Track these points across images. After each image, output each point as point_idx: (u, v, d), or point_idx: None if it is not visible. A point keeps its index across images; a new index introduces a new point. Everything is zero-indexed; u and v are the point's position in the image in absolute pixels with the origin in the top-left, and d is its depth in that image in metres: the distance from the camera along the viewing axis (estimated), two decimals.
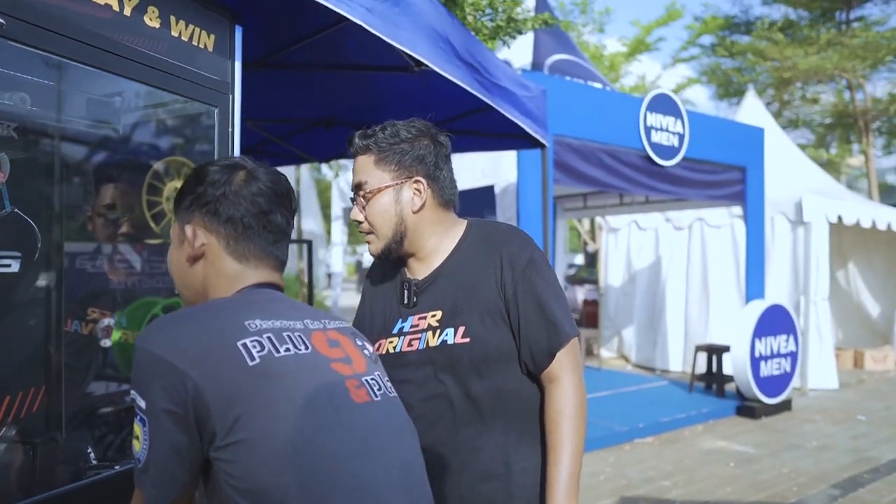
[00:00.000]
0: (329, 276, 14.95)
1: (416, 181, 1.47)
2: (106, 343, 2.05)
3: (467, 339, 1.43)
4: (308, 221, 13.49)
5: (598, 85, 6.80)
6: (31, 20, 1.24)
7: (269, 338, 1.02)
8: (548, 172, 4.13)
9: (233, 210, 1.12)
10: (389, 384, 1.19)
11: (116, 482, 1.68)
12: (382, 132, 1.49)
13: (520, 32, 4.15)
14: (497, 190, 5.20)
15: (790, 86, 16.38)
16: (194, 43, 1.64)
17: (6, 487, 1.61)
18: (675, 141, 5.90)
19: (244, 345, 0.99)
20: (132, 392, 0.99)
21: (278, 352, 1.02)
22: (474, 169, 5.62)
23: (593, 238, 11.84)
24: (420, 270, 1.53)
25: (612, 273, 9.90)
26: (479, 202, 8.38)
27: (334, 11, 1.88)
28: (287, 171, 11.00)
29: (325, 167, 11.60)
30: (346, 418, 1.03)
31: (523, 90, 3.61)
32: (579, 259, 17.22)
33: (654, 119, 5.73)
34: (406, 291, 1.53)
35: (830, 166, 17.34)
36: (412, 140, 1.48)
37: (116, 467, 1.76)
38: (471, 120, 3.94)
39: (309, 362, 1.05)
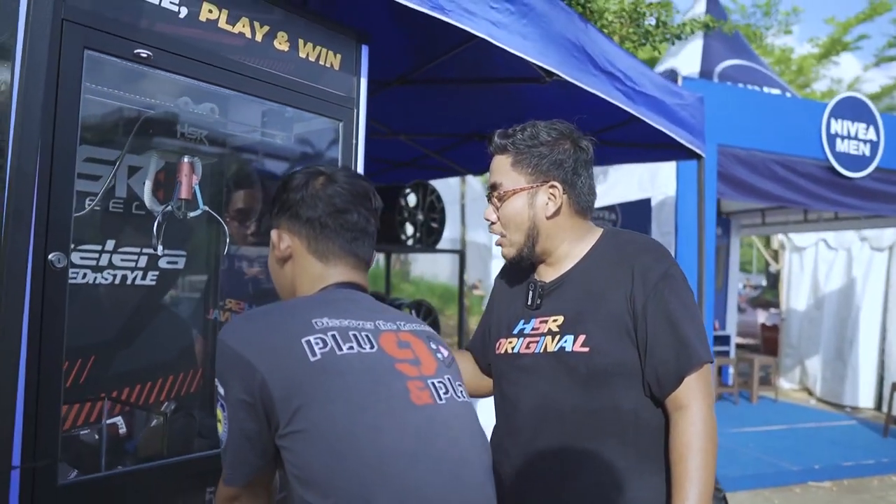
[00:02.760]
0: None
1: (552, 186, 1.43)
2: None
3: (587, 349, 1.36)
4: (476, 233, 13.73)
5: (776, 91, 6.24)
6: (173, 50, 1.44)
7: (333, 336, 1.07)
8: (704, 185, 3.88)
9: (311, 211, 1.20)
10: (462, 388, 1.18)
11: None
12: (522, 133, 1.45)
13: (678, 38, 3.94)
14: (654, 203, 4.97)
15: None
16: (321, 62, 1.78)
17: (178, 449, 1.83)
18: (865, 150, 5.24)
19: (307, 341, 1.05)
20: (216, 379, 1.09)
21: (340, 349, 1.06)
22: (630, 181, 5.42)
23: (776, 258, 10.81)
24: (549, 274, 1.49)
25: (795, 296, 8.97)
26: (635, 216, 8.06)
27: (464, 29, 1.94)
28: (453, 183, 11.35)
29: (473, 179, 11.79)
30: (401, 418, 1.05)
31: (675, 98, 3.43)
32: (751, 279, 15.80)
33: (840, 126, 5.14)
34: (531, 293, 1.49)
35: None
36: (552, 143, 1.44)
37: None
38: (623, 131, 3.82)
39: (371, 361, 1.08)
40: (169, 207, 1.80)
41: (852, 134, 5.18)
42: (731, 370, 7.73)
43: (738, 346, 9.26)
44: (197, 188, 1.78)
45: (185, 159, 1.76)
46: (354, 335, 1.09)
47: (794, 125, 5.07)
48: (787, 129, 5.02)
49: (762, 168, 4.92)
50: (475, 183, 13.64)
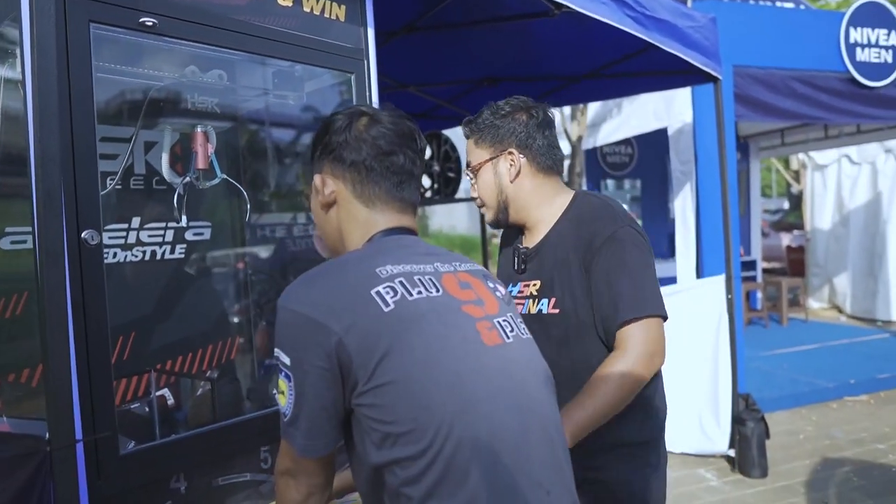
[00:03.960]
0: None
1: (510, 152, 1.58)
2: None
3: (557, 311, 1.53)
4: None
5: (789, 5, 6.02)
6: (177, 16, 1.42)
7: (400, 282, 1.03)
8: (722, 108, 3.78)
9: (355, 154, 1.14)
10: (523, 325, 1.16)
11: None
12: (480, 115, 1.63)
13: None
14: (671, 132, 4.86)
15: None
16: (326, 15, 1.75)
17: (226, 413, 1.89)
18: (887, 56, 5.06)
19: (378, 292, 1.00)
20: (276, 350, 1.03)
21: (411, 295, 1.02)
22: (645, 112, 5.30)
23: (797, 178, 10.62)
24: (530, 239, 1.64)
25: (819, 215, 8.84)
26: (652, 147, 7.93)
27: None
28: None
29: None
30: (477, 361, 1.03)
31: (687, 21, 3.32)
32: (775, 203, 15.56)
33: (859, 34, 4.96)
34: (516, 258, 1.65)
35: None
36: (505, 116, 1.59)
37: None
38: (638, 60, 3.74)
39: (441, 304, 1.05)
40: (188, 179, 1.80)
41: (872, 41, 5.00)
42: (759, 294, 7.70)
43: (765, 271, 9.20)
44: (213, 157, 1.77)
45: (199, 129, 1.75)
46: (419, 279, 1.06)
47: (810, 38, 4.90)
48: (804, 43, 4.86)
49: (780, 86, 4.79)
50: None
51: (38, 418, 1.29)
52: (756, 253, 8.36)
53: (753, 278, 7.93)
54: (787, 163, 12.47)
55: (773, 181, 20.42)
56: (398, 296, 1.01)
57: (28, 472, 1.27)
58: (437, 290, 1.06)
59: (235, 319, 2.31)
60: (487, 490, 0.96)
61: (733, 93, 4.45)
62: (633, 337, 1.42)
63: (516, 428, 1.02)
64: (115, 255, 1.94)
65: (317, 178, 1.18)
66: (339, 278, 1.04)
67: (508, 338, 1.10)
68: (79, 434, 1.22)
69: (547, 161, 1.59)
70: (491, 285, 1.17)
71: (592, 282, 1.47)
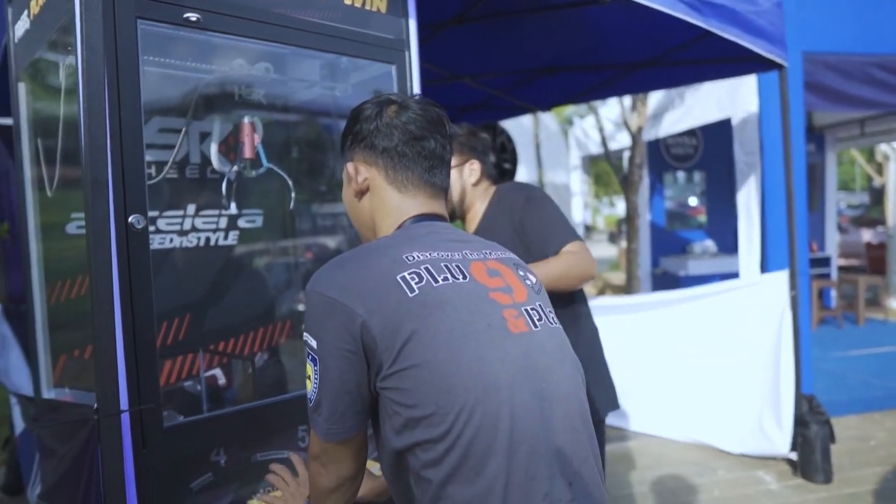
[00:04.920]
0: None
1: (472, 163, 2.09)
2: None
3: None
4: (555, 173, 13.41)
5: None
6: (220, 11, 1.48)
7: (426, 269, 1.05)
8: (788, 97, 3.62)
9: (387, 141, 1.16)
10: (552, 314, 1.16)
11: None
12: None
13: None
14: (735, 122, 4.68)
15: None
16: (367, 7, 1.78)
17: (269, 393, 1.96)
18: None
19: (403, 277, 1.02)
20: (305, 334, 1.05)
21: (437, 281, 1.04)
22: (708, 102, 5.11)
23: (880, 171, 10.03)
24: (469, 229, 2.09)
25: None
26: (716, 138, 7.64)
27: None
28: (525, 123, 11.14)
29: (546, 117, 11.48)
30: (502, 348, 1.03)
31: (749, 5, 3.20)
32: (859, 198, 14.73)
33: None
34: None
35: None
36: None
37: None
38: (699, 48, 3.63)
39: (467, 291, 1.06)
40: (236, 168, 1.87)
41: None
42: (833, 292, 7.33)
43: (842, 269, 8.76)
44: (260, 147, 1.84)
45: (246, 119, 1.82)
46: (446, 266, 1.07)
47: (889, 19, 4.61)
48: (882, 25, 4.56)
49: (856, 72, 4.52)
50: (549, 121, 13.30)
51: (93, 390, 1.39)
52: (831, 249, 7.96)
53: (827, 275, 7.56)
54: (870, 155, 11.80)
55: (856, 174, 19.35)
56: (423, 282, 1.03)
57: (82, 437, 1.37)
58: (464, 277, 1.07)
59: (283, 304, 2.40)
60: (506, 477, 0.97)
61: (803, 81, 4.25)
62: (573, 249, 1.87)
63: (538, 415, 1.02)
64: (171, 240, 2.04)
65: (349, 166, 1.20)
66: (366, 263, 1.06)
67: (536, 326, 1.09)
68: (124, 405, 1.30)
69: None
70: (521, 273, 1.17)
71: (526, 227, 1.92)
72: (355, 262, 1.07)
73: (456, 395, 0.97)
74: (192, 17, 1.42)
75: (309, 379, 1.05)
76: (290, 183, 2.02)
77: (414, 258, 1.06)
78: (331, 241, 2.48)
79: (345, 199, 1.26)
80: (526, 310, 1.10)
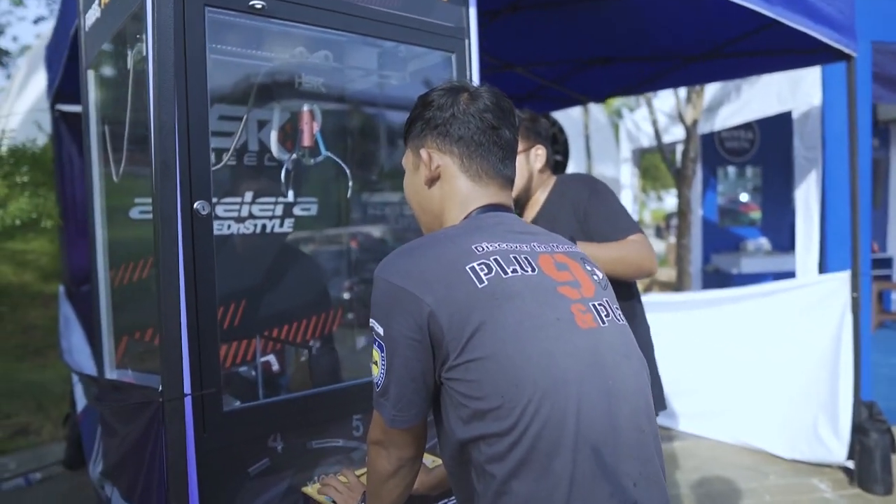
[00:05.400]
0: None
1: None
2: None
3: None
4: (605, 165, 13.14)
5: None
6: None
7: (496, 260, 1.03)
8: (856, 89, 3.47)
9: (463, 129, 1.14)
10: (619, 311, 1.14)
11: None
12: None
13: None
14: (796, 116, 4.51)
15: None
16: None
17: (324, 381, 1.98)
18: None
19: (472, 268, 1.01)
20: (371, 320, 1.04)
21: (506, 273, 1.02)
22: (768, 94, 4.94)
23: None
24: (527, 217, 2.06)
25: None
26: (775, 132, 7.39)
27: None
28: (575, 115, 10.95)
29: (595, 109, 11.24)
30: (570, 343, 1.01)
31: None
32: None
33: None
34: None
35: None
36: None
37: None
38: (760, 38, 3.51)
39: (536, 284, 1.04)
40: (294, 156, 1.88)
41: None
42: (894, 295, 7.04)
43: None
44: (318, 135, 1.84)
45: (305, 108, 1.82)
46: (515, 258, 1.05)
47: None
48: None
49: None
50: (598, 113, 13.04)
51: (155, 372, 1.42)
52: (894, 250, 7.64)
53: (888, 277, 7.25)
54: None
55: None
56: (493, 273, 1.01)
57: (146, 418, 1.40)
58: (533, 270, 1.05)
59: (338, 292, 2.41)
60: (571, 475, 0.95)
61: (871, 72, 4.06)
62: (635, 240, 1.87)
63: (604, 412, 1.00)
64: (228, 227, 2.07)
65: (423, 153, 1.17)
66: (434, 252, 1.05)
67: (604, 322, 1.07)
68: (187, 388, 1.32)
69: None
70: (588, 268, 1.15)
71: (590, 216, 1.92)
72: (424, 250, 1.06)
73: (523, 389, 0.96)
74: (258, 4, 1.43)
75: (375, 364, 1.05)
76: (348, 171, 2.03)
77: (483, 249, 1.04)
78: (384, 231, 2.49)
79: (410, 186, 1.23)
80: (594, 305, 1.08)
